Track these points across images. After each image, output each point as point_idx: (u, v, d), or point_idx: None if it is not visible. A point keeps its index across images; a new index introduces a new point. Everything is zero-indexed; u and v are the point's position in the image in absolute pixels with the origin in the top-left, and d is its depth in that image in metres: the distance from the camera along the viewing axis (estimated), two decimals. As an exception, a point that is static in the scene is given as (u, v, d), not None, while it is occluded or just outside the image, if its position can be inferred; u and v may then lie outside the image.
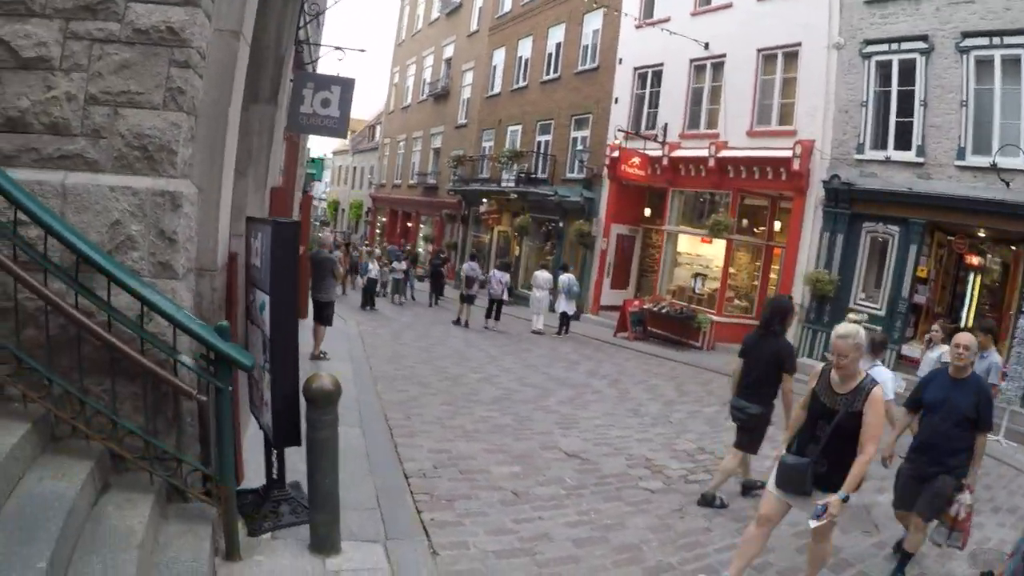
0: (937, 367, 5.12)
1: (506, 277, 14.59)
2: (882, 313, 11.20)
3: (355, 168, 40.90)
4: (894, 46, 11.19)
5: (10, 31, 2.86)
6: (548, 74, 20.12)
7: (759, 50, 13.36)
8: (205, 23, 3.13)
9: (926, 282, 11.38)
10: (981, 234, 10.93)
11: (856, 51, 11.74)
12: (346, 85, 7.65)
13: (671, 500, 4.93)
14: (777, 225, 14.14)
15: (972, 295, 11.63)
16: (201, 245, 3.30)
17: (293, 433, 3.43)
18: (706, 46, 14.37)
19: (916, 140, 10.83)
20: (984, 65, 10.06)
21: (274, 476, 3.71)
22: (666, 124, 15.35)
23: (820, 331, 11.71)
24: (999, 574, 3.60)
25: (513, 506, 4.49)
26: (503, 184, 20.52)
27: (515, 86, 21.77)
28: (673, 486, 5.25)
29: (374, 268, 16.52)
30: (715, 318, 13.65)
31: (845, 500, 3.12)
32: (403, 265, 17.94)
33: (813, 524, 3.17)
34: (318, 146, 41.35)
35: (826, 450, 3.25)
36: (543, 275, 14.63)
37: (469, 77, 25.00)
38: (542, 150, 19.91)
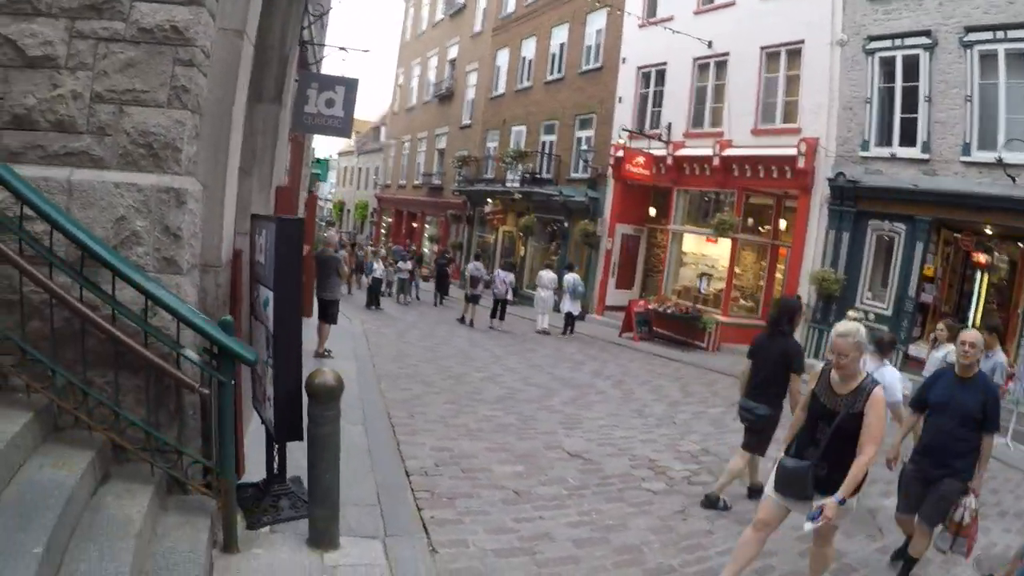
0: (942, 367, 5.02)
1: (511, 277, 14.61)
2: (889, 313, 11.15)
3: (360, 169, 41.04)
4: (897, 42, 11.14)
5: (16, 30, 2.90)
6: (552, 74, 20.14)
7: (762, 48, 13.33)
8: (209, 22, 3.16)
9: (933, 281, 11.27)
10: (988, 231, 10.87)
11: (859, 47, 11.70)
12: (350, 85, 7.70)
13: (674, 501, 4.90)
14: (782, 224, 14.09)
15: (979, 294, 11.54)
16: (205, 241, 3.33)
17: (295, 428, 3.46)
18: (709, 44, 14.34)
19: (921, 136, 10.78)
20: (988, 59, 10.01)
21: (275, 471, 3.74)
22: (670, 123, 15.32)
23: (826, 331, 11.59)
24: None
25: (514, 505, 4.48)
26: (508, 184, 20.55)
27: (519, 86, 21.79)
28: (676, 487, 5.22)
29: (379, 268, 16.64)
30: (721, 319, 13.57)
31: (842, 503, 3.00)
32: (408, 265, 18.02)
33: (808, 527, 3.11)
34: (323, 147, 41.59)
35: (826, 452, 3.16)
36: (548, 275, 14.63)
37: (473, 78, 25.04)
38: (546, 150, 19.92)
